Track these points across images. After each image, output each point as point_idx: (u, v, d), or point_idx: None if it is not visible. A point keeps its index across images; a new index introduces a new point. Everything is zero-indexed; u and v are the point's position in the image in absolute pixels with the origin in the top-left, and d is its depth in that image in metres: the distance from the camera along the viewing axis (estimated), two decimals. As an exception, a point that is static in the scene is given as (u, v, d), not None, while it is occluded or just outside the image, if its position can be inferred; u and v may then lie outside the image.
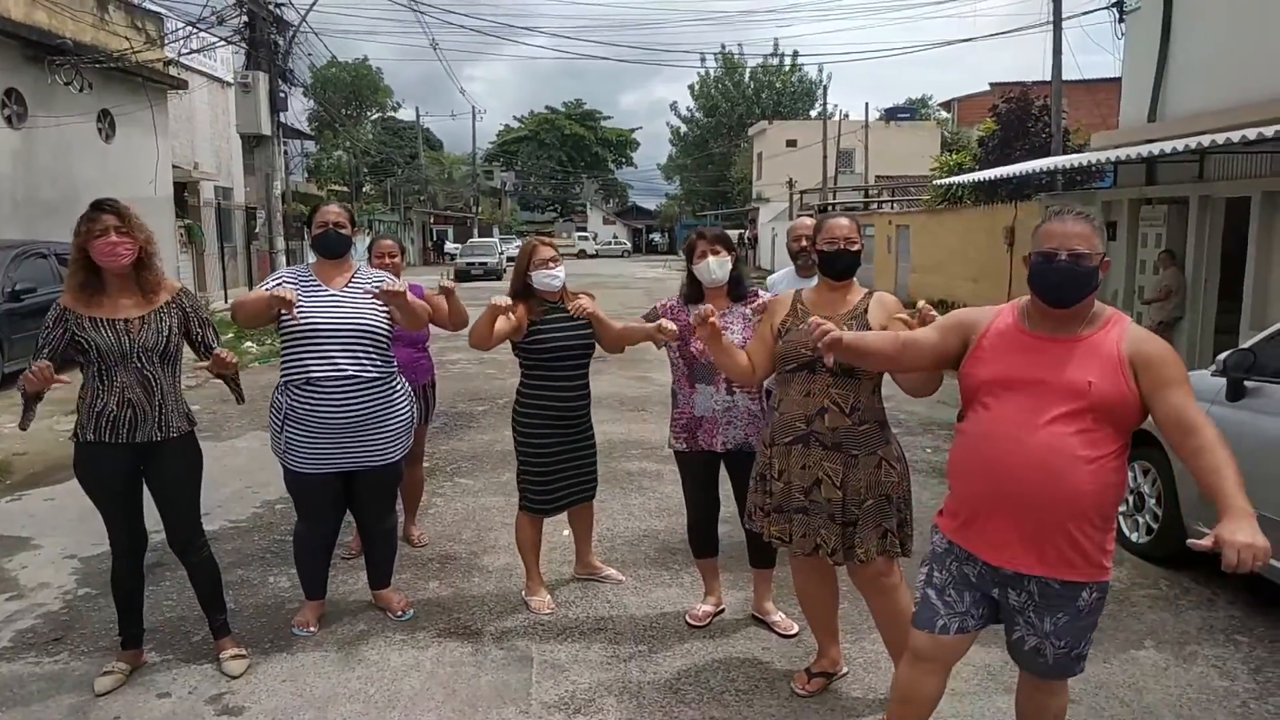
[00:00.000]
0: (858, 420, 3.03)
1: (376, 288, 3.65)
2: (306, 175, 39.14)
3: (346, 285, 3.71)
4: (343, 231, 3.76)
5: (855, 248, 3.13)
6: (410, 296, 3.61)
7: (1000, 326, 2.45)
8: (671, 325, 3.60)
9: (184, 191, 18.43)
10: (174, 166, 17.28)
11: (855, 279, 3.22)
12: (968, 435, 2.46)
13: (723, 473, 3.87)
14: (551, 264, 3.89)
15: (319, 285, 3.69)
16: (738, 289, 3.73)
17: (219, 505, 5.58)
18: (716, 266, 3.63)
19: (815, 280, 3.36)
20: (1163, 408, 2.25)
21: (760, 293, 3.89)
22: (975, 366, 2.45)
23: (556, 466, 3.97)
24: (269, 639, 3.77)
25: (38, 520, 5.36)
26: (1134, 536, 4.86)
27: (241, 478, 6.12)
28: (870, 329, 3.01)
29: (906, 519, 3.11)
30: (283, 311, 3.48)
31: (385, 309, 3.68)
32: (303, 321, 3.54)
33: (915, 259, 21.40)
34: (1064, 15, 14.83)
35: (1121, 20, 12.70)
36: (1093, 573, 2.30)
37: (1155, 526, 4.71)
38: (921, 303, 2.87)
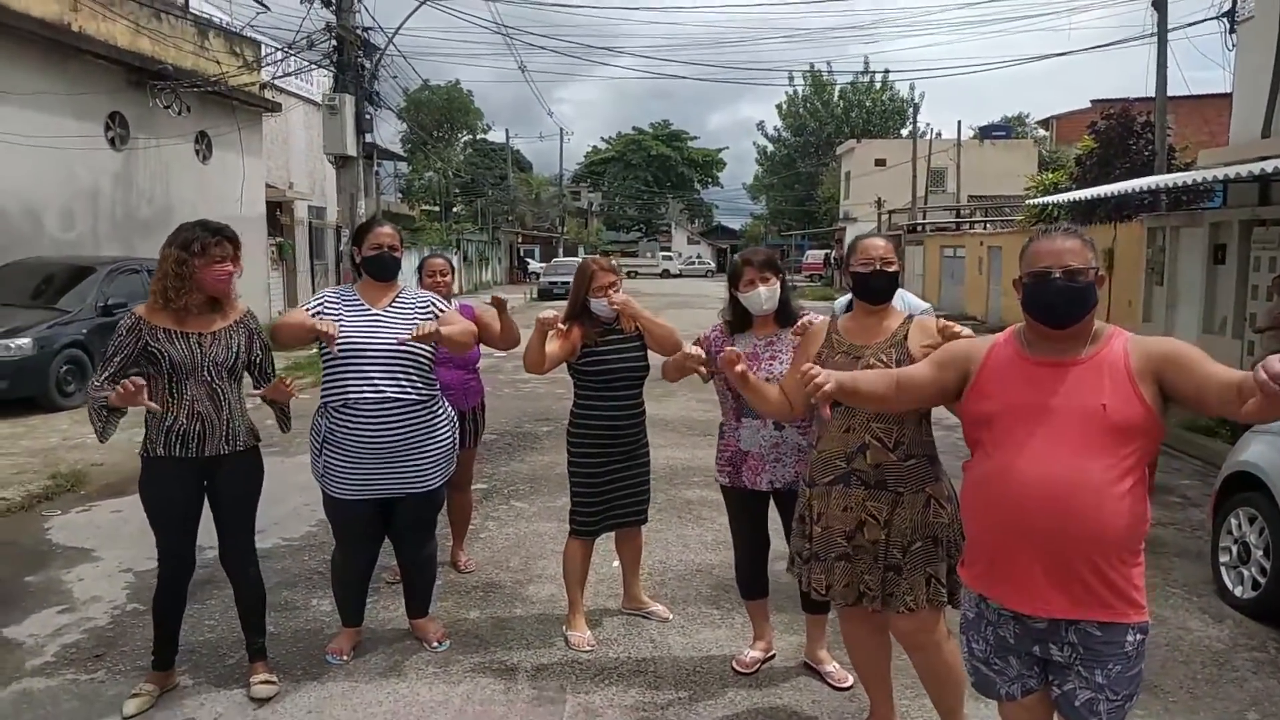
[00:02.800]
0: (903, 455, 2.77)
1: (422, 310, 3.59)
2: (399, 196, 40.25)
3: (390, 305, 3.63)
4: (396, 255, 3.70)
5: (892, 269, 2.89)
6: (447, 330, 3.49)
7: (1000, 355, 2.28)
8: (696, 351, 3.39)
9: (278, 210, 19.08)
10: (269, 186, 17.92)
11: (895, 304, 2.98)
12: (977, 474, 2.27)
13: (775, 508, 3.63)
14: (611, 290, 3.74)
15: (362, 305, 3.61)
16: (786, 314, 3.50)
17: (275, 523, 5.58)
18: (767, 296, 3.41)
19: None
20: (1210, 389, 2.03)
21: (813, 317, 3.64)
22: (978, 400, 2.27)
23: (608, 487, 3.87)
24: (302, 666, 3.68)
25: (102, 532, 5.45)
26: (1238, 591, 4.41)
27: (301, 494, 6.12)
28: (912, 357, 2.75)
29: (957, 565, 2.83)
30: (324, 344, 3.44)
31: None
32: (343, 342, 3.46)
33: (1007, 281, 20.58)
34: (1170, 27, 14.08)
35: (1233, 31, 11.98)
36: (1130, 612, 2.12)
37: (1263, 581, 4.25)
38: (941, 321, 2.63)
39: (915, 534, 2.77)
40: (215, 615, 4.17)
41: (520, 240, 50.04)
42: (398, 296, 3.68)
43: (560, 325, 3.70)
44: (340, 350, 3.48)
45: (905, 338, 2.82)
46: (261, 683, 3.44)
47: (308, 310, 3.58)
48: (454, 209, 43.44)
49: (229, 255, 3.26)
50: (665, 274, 55.56)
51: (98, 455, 7.21)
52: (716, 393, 3.65)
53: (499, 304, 3.94)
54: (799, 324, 3.34)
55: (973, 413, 2.29)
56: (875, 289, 2.90)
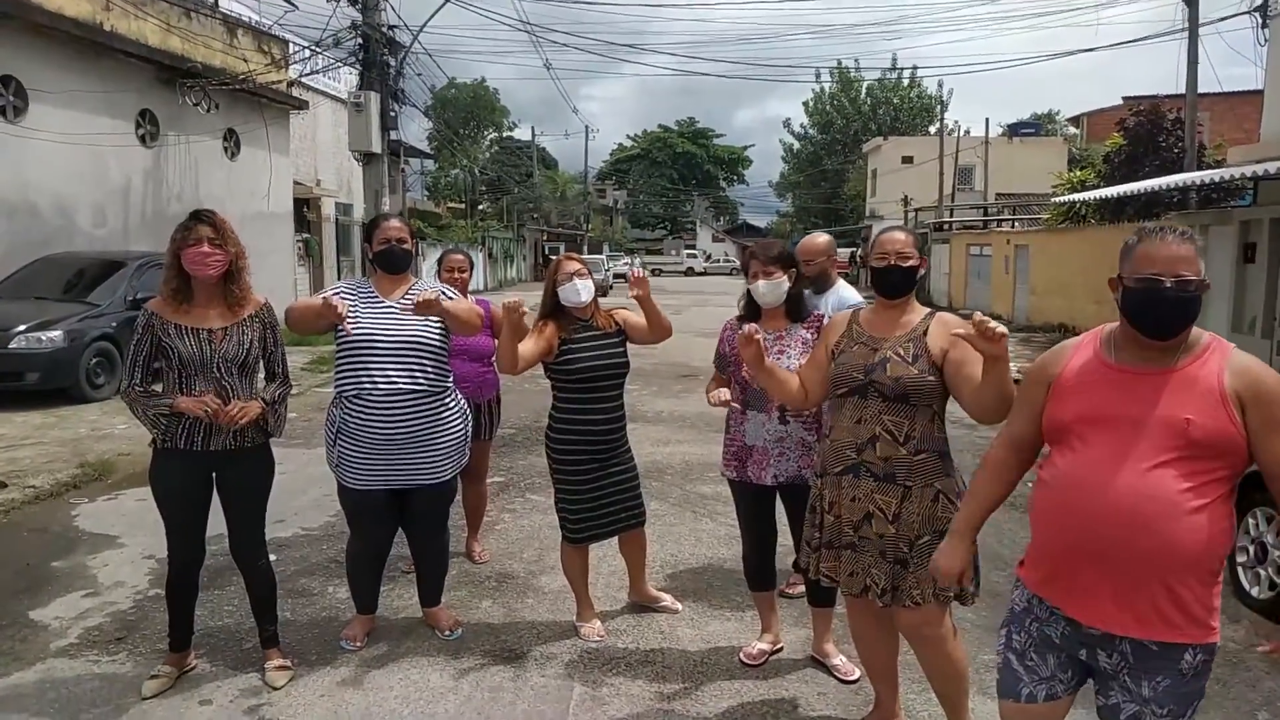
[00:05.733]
0: (913, 450, 2.78)
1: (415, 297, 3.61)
2: (426, 193, 40.55)
3: (403, 297, 3.68)
4: (405, 247, 3.75)
5: (908, 263, 2.88)
6: (450, 304, 3.52)
7: (1082, 360, 2.18)
8: (722, 396, 3.48)
9: (305, 207, 19.30)
10: (296, 183, 18.12)
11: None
12: (1050, 481, 2.17)
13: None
14: (577, 278, 3.74)
15: (376, 297, 3.67)
16: (797, 309, 3.52)
17: (295, 513, 5.67)
18: (766, 289, 3.46)
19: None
20: (1272, 453, 1.97)
21: (824, 315, 3.66)
22: (1057, 405, 2.17)
23: (593, 493, 3.82)
24: (316, 651, 3.75)
25: (127, 519, 5.57)
26: (1254, 591, 4.36)
27: (321, 485, 6.19)
28: (930, 351, 2.77)
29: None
30: (338, 326, 3.47)
31: (439, 321, 3.63)
32: (357, 333, 3.52)
33: (1034, 280, 20.41)
34: (1201, 22, 13.89)
35: (1264, 26, 11.80)
36: (1198, 633, 2.02)
37: (1279, 581, 4.21)
38: (977, 314, 2.59)
39: (923, 529, 2.78)
40: (233, 601, 4.25)
41: (545, 238, 50.25)
42: (411, 289, 3.73)
43: (523, 309, 3.45)
44: (354, 340, 3.54)
45: (925, 332, 2.83)
46: (276, 669, 3.50)
47: (322, 298, 3.64)
48: (479, 206, 43.69)
49: (204, 237, 3.20)
50: (690, 272, 55.54)
51: (124, 445, 7.36)
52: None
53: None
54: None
55: (1050, 417, 2.20)
56: (890, 284, 2.91)
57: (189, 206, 14.54)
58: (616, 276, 40.83)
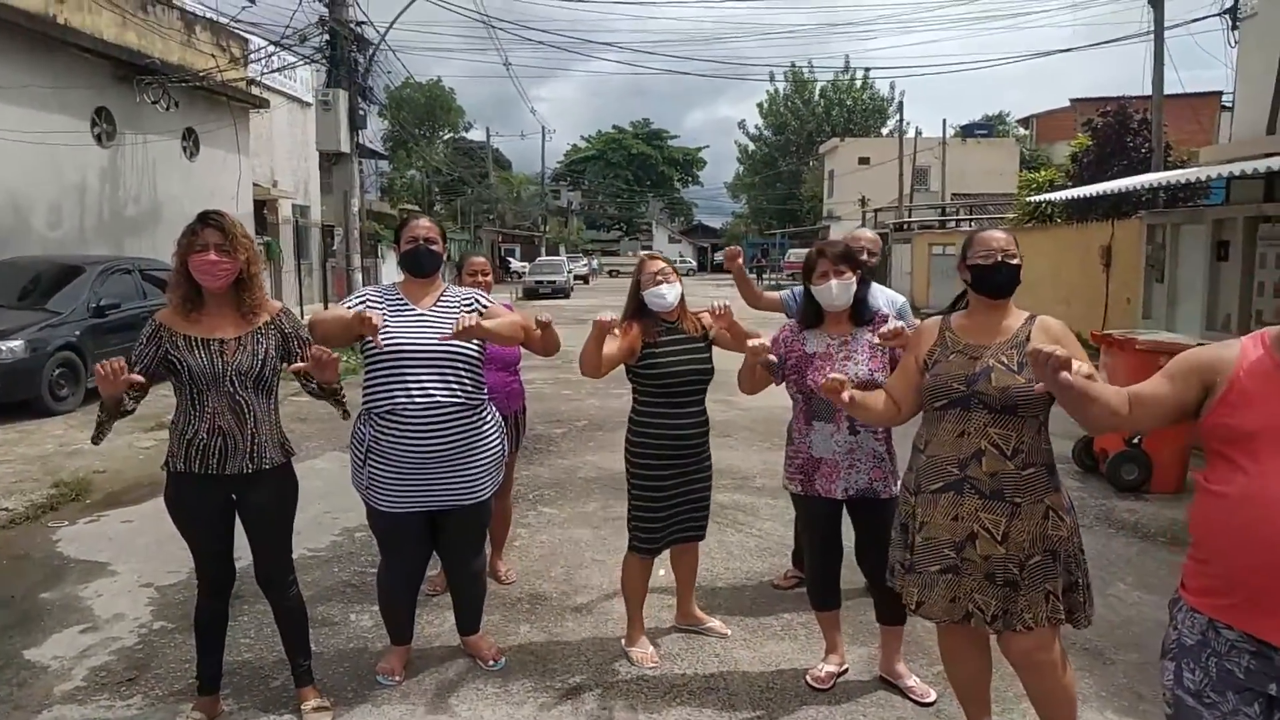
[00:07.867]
0: (1021, 464, 2.62)
1: (466, 307, 3.38)
2: (380, 194, 39.78)
3: (435, 304, 3.42)
4: (434, 248, 3.48)
5: (1015, 260, 2.73)
6: (490, 323, 3.28)
7: (1256, 366, 2.03)
8: (759, 343, 3.20)
9: (263, 209, 18.71)
10: (254, 185, 17.55)
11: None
12: (1229, 497, 2.01)
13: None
14: (660, 279, 3.55)
15: (406, 305, 3.40)
16: (862, 313, 3.34)
17: (298, 532, 5.26)
18: (839, 290, 3.25)
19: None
20: None
21: (889, 315, 3.49)
22: (1231, 414, 2.02)
23: (670, 502, 3.62)
24: (352, 687, 3.48)
25: (115, 544, 5.20)
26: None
27: (319, 502, 5.91)
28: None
29: (1078, 581, 2.69)
30: (367, 337, 3.20)
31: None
32: (390, 343, 3.25)
33: (999, 279, 20.59)
34: (1168, 24, 14.13)
35: (1235, 27, 12.00)
36: None
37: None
38: (1032, 346, 2.34)
39: (1034, 548, 2.62)
40: (250, 634, 3.95)
41: (501, 239, 49.70)
42: (442, 295, 3.48)
43: (615, 330, 3.47)
44: (386, 352, 3.27)
45: (1028, 339, 2.66)
46: (314, 709, 3.23)
47: (348, 307, 3.37)
48: (435, 208, 43.03)
49: (211, 243, 2.93)
50: (647, 272, 55.36)
51: (98, 462, 6.92)
52: (788, 395, 3.49)
53: (544, 325, 3.48)
54: (883, 327, 3.15)
55: (1226, 427, 2.05)
56: (998, 283, 2.74)
57: (147, 208, 14.12)
58: (577, 278, 40.57)
